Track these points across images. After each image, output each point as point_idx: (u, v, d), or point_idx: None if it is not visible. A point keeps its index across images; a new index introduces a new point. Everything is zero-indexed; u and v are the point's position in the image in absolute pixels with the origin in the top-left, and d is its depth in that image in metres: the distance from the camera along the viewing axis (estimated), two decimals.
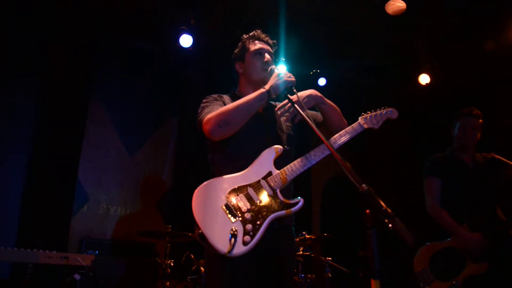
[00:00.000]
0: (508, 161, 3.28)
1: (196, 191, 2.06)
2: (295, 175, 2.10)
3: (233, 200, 2.02)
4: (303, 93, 2.26)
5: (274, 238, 2.09)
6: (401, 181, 6.06)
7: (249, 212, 1.99)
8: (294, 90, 2.12)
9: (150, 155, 6.10)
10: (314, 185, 7.04)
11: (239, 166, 2.13)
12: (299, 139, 2.42)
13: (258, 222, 1.97)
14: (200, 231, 1.96)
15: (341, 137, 2.20)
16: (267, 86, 2.15)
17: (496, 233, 3.07)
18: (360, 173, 1.47)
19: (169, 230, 4.20)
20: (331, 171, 7.08)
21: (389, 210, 1.27)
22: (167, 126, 6.36)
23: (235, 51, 2.49)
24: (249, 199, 2.03)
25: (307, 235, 4.45)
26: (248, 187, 2.06)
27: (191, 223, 2.01)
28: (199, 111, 2.30)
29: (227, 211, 1.99)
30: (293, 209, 2.04)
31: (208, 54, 6.03)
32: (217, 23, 5.65)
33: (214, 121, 2.12)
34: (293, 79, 2.15)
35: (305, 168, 2.11)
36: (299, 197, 2.08)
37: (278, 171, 2.10)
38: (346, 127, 2.26)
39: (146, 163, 6.05)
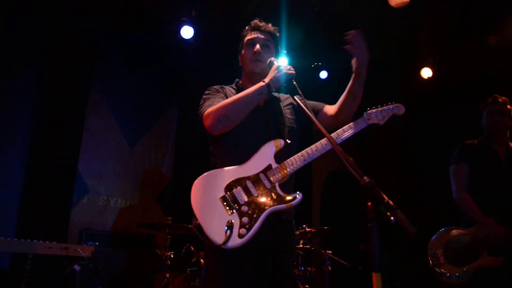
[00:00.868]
0: None
1: (195, 182, 2.06)
2: (295, 169, 2.08)
3: (231, 192, 2.01)
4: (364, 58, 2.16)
5: (274, 232, 2.08)
6: (401, 176, 6.05)
7: (246, 205, 1.99)
8: (294, 83, 2.09)
9: (150, 146, 6.09)
10: (314, 178, 7.04)
11: (238, 159, 2.11)
12: (302, 133, 2.37)
13: (254, 216, 1.96)
14: (197, 222, 1.96)
15: (344, 132, 2.16)
16: (266, 79, 2.12)
17: None
18: (360, 167, 1.46)
19: (169, 222, 4.20)
20: (332, 165, 7.07)
21: (390, 203, 1.25)
22: (167, 117, 6.34)
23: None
24: (247, 192, 2.02)
25: (307, 228, 4.44)
26: (246, 180, 2.05)
27: (191, 215, 2.01)
28: (200, 103, 2.29)
29: (225, 203, 1.99)
30: (291, 204, 2.02)
31: (209, 45, 5.99)
32: (219, 14, 5.61)
33: (214, 116, 2.10)
34: (293, 71, 2.12)
35: (306, 162, 2.09)
36: (297, 192, 2.05)
37: (277, 165, 2.08)
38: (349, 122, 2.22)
39: (146, 155, 6.04)
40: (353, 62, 2.18)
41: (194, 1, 5.38)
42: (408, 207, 3.14)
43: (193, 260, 4.13)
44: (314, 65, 6.35)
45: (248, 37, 2.38)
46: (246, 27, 2.45)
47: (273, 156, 2.10)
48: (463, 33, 5.39)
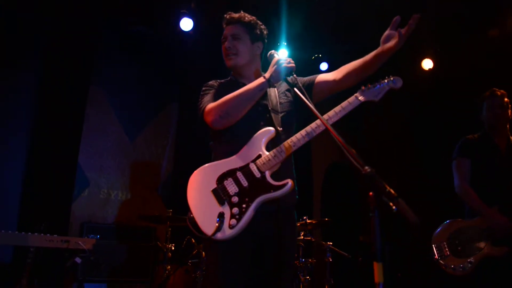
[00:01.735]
0: None
1: (191, 176, 2.13)
2: (284, 156, 2.04)
3: (222, 184, 2.05)
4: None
5: (275, 221, 2.08)
6: (402, 169, 6.05)
7: (237, 196, 2.01)
8: (294, 76, 2.09)
9: (150, 139, 6.08)
10: (315, 170, 7.04)
11: (233, 152, 2.13)
12: (303, 112, 2.30)
13: (243, 205, 1.99)
14: (191, 215, 2.03)
15: (336, 114, 2.04)
16: (267, 75, 2.12)
17: None
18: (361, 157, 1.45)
19: (170, 214, 4.21)
20: (333, 156, 7.06)
21: (392, 192, 1.25)
22: (167, 110, 6.33)
23: None
24: (237, 183, 2.04)
25: (308, 220, 4.45)
26: (237, 171, 2.07)
27: (189, 209, 2.08)
28: (199, 98, 2.32)
29: (215, 196, 2.03)
30: (280, 191, 1.99)
31: (208, 37, 5.94)
32: (218, 6, 5.56)
33: (215, 113, 2.13)
34: (293, 65, 2.11)
35: (295, 148, 2.05)
36: (288, 179, 2.02)
37: (267, 153, 2.07)
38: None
39: (146, 148, 6.03)
40: (392, 43, 2.17)
41: None
42: (409, 201, 3.14)
43: (194, 252, 4.14)
44: (315, 57, 6.32)
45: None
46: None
47: (264, 145, 2.10)
48: (464, 24, 5.35)
